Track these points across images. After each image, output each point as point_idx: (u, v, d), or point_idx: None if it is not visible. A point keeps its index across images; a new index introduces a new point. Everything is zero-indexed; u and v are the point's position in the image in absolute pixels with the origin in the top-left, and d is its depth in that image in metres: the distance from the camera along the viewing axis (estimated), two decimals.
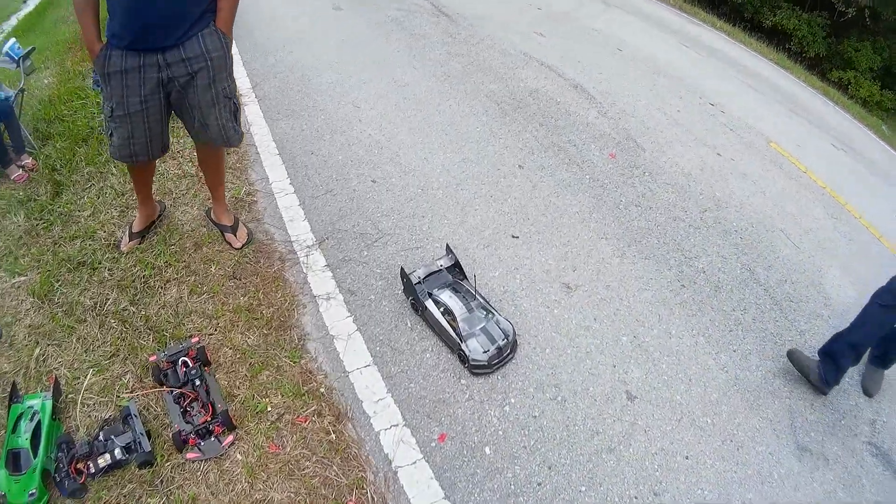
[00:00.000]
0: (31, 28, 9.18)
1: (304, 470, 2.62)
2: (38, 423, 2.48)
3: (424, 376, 3.16)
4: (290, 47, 5.92)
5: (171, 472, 2.53)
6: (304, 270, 3.59)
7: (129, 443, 2.51)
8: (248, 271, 3.48)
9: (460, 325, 3.19)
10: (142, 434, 2.52)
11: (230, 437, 2.65)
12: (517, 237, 4.22)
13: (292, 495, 2.53)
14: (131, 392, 2.77)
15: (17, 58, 4.83)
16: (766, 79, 10.34)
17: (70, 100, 4.83)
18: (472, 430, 2.95)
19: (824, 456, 3.39)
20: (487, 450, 2.88)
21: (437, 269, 3.53)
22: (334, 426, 2.81)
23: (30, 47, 5.25)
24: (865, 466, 3.44)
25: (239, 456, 2.62)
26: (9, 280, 3.30)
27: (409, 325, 3.40)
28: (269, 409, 2.82)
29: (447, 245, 3.62)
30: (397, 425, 2.89)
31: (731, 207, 5.39)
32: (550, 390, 3.24)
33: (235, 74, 3.16)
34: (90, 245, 3.47)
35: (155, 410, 2.73)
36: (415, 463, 2.76)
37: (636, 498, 2.85)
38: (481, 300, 3.40)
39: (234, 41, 2.98)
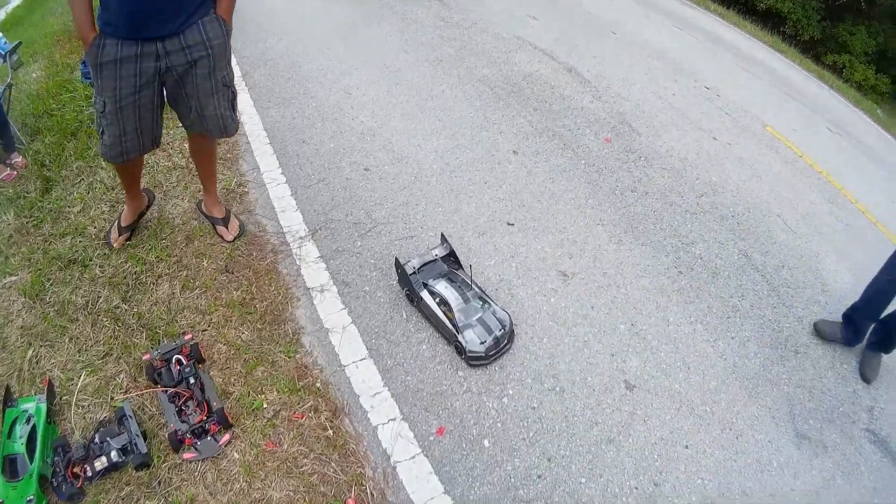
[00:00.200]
0: (20, 22, 9.04)
1: (302, 467, 2.60)
2: (34, 427, 2.45)
3: (421, 369, 3.14)
4: (281, 34, 5.85)
5: (168, 473, 2.51)
6: (298, 262, 3.55)
7: (126, 444, 2.48)
8: (241, 264, 3.45)
9: (456, 315, 3.17)
10: (138, 435, 2.49)
11: (226, 436, 2.62)
12: (512, 224, 4.19)
13: (291, 494, 2.52)
14: (125, 392, 2.74)
15: (3, 53, 4.76)
16: (761, 62, 10.32)
17: (59, 93, 4.74)
18: (471, 422, 2.94)
19: (823, 443, 3.41)
20: (486, 442, 2.87)
21: (432, 259, 3.49)
22: (331, 422, 2.79)
23: (16, 42, 5.19)
24: (864, 453, 3.45)
25: (236, 455, 2.60)
26: (0, 280, 3.26)
27: (404, 316, 3.38)
28: (265, 405, 2.79)
29: (442, 234, 3.59)
30: (395, 419, 2.88)
31: (728, 192, 5.38)
32: (549, 381, 3.23)
33: None
34: (80, 242, 3.41)
35: (150, 410, 2.70)
36: (413, 458, 2.75)
37: (636, 489, 2.85)
38: (477, 290, 3.37)
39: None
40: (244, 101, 4.80)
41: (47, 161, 4.00)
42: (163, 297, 3.19)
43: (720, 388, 3.49)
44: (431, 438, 2.84)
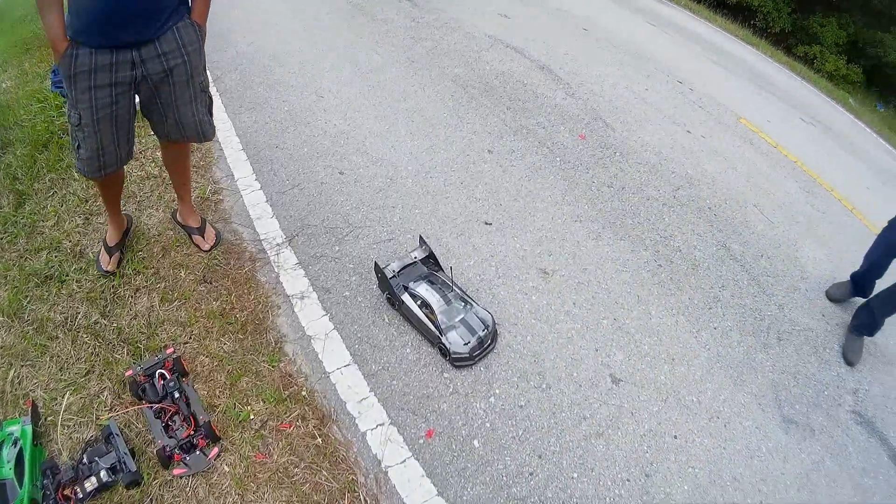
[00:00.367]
0: None
1: (293, 477, 2.61)
2: (20, 451, 2.42)
3: (406, 372, 3.15)
4: (251, 37, 5.83)
5: (159, 490, 2.50)
6: (276, 270, 3.54)
7: (114, 463, 2.46)
8: (219, 274, 3.44)
9: (439, 317, 3.19)
10: (126, 453, 2.48)
11: (215, 450, 2.62)
12: (490, 224, 4.22)
13: None
14: (110, 410, 2.72)
15: None
16: (733, 55, 10.49)
17: (29, 104, 4.67)
18: (460, 423, 2.96)
19: (810, 427, 3.49)
20: (476, 443, 2.90)
21: (411, 262, 3.50)
22: (319, 430, 2.80)
23: None
24: (851, 435, 3.55)
25: (226, 468, 2.60)
26: None
27: (386, 320, 3.39)
28: (252, 416, 2.79)
29: (420, 236, 3.61)
30: (383, 424, 2.89)
31: (704, 185, 5.46)
32: (535, 378, 3.26)
33: None
34: (56, 257, 3.38)
35: (137, 427, 2.69)
36: (404, 462, 2.76)
37: (628, 481, 2.90)
38: (458, 291, 3.40)
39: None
40: (216, 107, 4.72)
41: (19, 174, 3.95)
42: (142, 311, 3.17)
43: (705, 377, 3.56)
44: (421, 441, 2.86)
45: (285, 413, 2.83)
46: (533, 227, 4.31)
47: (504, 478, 2.79)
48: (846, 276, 4.76)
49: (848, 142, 8.79)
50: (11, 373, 2.85)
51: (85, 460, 2.48)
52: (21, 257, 3.42)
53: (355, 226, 3.92)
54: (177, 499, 2.48)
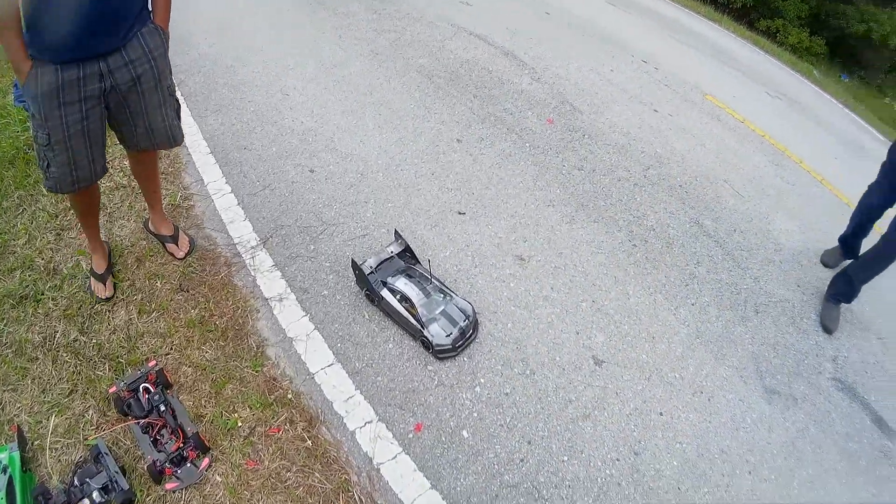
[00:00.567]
0: None
1: (286, 482, 2.63)
2: (10, 479, 2.39)
3: (390, 367, 3.18)
4: (212, 38, 5.78)
5: None
6: (252, 273, 3.54)
7: (106, 483, 2.44)
8: (196, 281, 3.43)
9: (419, 311, 3.22)
10: (117, 472, 2.46)
11: (206, 460, 2.62)
12: (464, 213, 4.26)
13: None
14: (97, 429, 2.70)
15: None
16: (696, 32, 10.63)
17: None
18: (447, 415, 3.00)
19: (792, 396, 3.59)
20: (465, 433, 2.94)
21: (388, 257, 3.52)
22: (308, 432, 2.81)
23: None
24: (833, 401, 3.66)
25: (218, 478, 2.60)
26: None
27: (366, 316, 3.41)
28: (240, 423, 2.80)
29: (395, 230, 3.64)
30: (371, 422, 2.91)
31: (674, 163, 5.56)
32: (518, 365, 3.32)
33: None
34: (30, 276, 3.33)
35: (125, 444, 2.67)
36: (395, 457, 2.79)
37: (618, 460, 2.97)
38: (437, 283, 3.43)
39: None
40: (182, 112, 4.71)
41: None
42: (120, 325, 3.15)
43: (686, 354, 3.64)
44: (410, 436, 2.89)
45: (273, 417, 2.84)
46: (506, 214, 4.35)
47: (495, 466, 2.83)
48: (819, 246, 4.91)
49: (814, 113, 8.96)
50: None
51: (76, 483, 2.46)
52: None
53: (329, 223, 3.93)
54: None
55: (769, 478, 3.15)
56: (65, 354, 2.98)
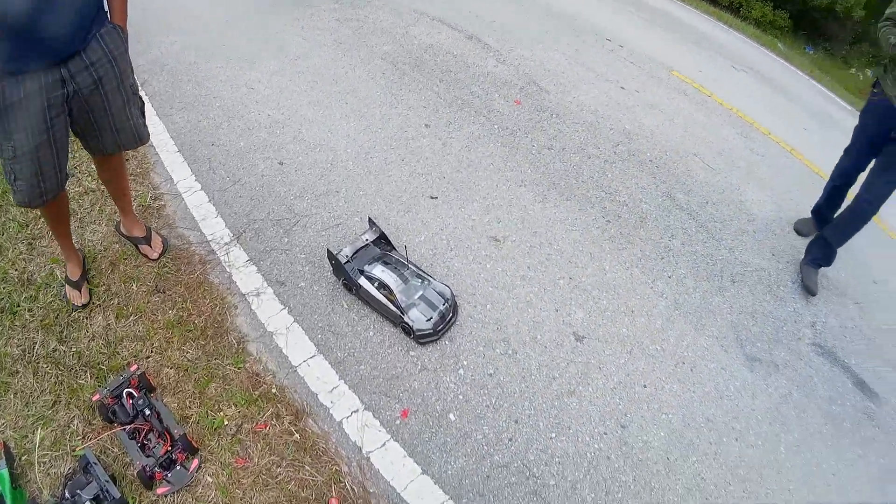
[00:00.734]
0: None
1: (277, 477, 2.62)
2: (1, 497, 2.36)
3: (372, 355, 3.18)
4: (174, 36, 5.68)
5: None
6: (228, 269, 3.51)
7: (97, 493, 2.41)
8: (171, 282, 3.39)
9: (398, 297, 3.22)
10: (107, 481, 2.43)
11: (195, 462, 2.60)
12: (436, 198, 4.27)
13: None
14: (83, 438, 2.66)
15: None
16: (659, 9, 10.69)
17: None
18: (433, 399, 3.01)
19: (774, 363, 3.66)
20: (452, 416, 2.96)
21: (363, 245, 3.52)
22: (295, 425, 2.80)
23: None
24: (814, 366, 3.74)
25: (209, 478, 2.59)
26: None
27: (345, 305, 3.41)
28: (226, 422, 2.77)
29: (369, 218, 3.63)
30: (357, 411, 2.91)
31: (643, 138, 5.61)
32: (500, 345, 3.34)
33: None
34: (4, 288, 3.25)
35: (113, 452, 2.64)
36: (384, 445, 2.80)
37: (605, 434, 3.01)
38: (414, 268, 3.44)
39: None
40: (147, 111, 4.61)
41: None
42: (99, 331, 3.10)
43: (666, 326, 3.69)
44: (398, 422, 2.90)
45: (259, 413, 2.83)
46: (479, 196, 4.37)
47: (484, 447, 2.85)
48: (792, 215, 5.02)
49: (780, 86, 9.08)
50: None
51: (67, 495, 2.43)
52: None
53: (301, 214, 3.91)
54: None
55: (756, 444, 3.21)
56: (45, 365, 2.93)
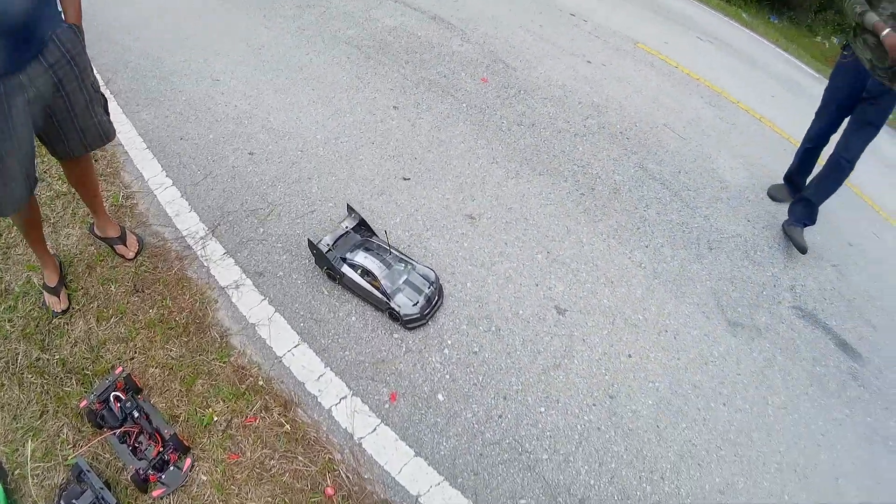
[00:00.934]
0: None
1: (271, 470, 2.60)
2: None
3: (356, 340, 3.16)
4: (136, 32, 5.54)
5: None
6: (205, 264, 3.46)
7: (93, 501, 2.38)
8: (149, 280, 3.34)
9: (383, 283, 3.20)
10: (102, 488, 2.40)
11: (188, 461, 2.58)
12: (409, 179, 4.25)
13: (269, 499, 2.52)
14: (74, 447, 2.63)
15: None
16: None
17: None
18: (420, 381, 3.01)
19: (756, 327, 3.71)
20: (440, 396, 2.96)
21: (343, 232, 3.48)
22: (285, 416, 2.79)
23: None
24: (796, 329, 3.81)
25: (203, 477, 2.56)
26: None
27: (325, 292, 3.38)
28: (216, 418, 2.75)
29: (348, 205, 3.59)
30: (346, 397, 2.90)
31: (612, 111, 5.62)
32: (483, 322, 3.34)
33: None
34: None
35: (105, 457, 2.61)
36: (375, 429, 2.80)
37: (594, 405, 3.03)
38: (396, 253, 3.41)
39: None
40: (112, 109, 4.51)
41: None
42: (81, 336, 3.05)
43: (646, 295, 3.72)
44: (387, 406, 2.89)
45: (247, 407, 2.80)
46: (451, 175, 4.35)
47: (475, 425, 2.86)
48: (765, 181, 5.10)
49: (747, 55, 9.13)
50: None
51: None
52: None
53: (275, 204, 3.86)
54: None
55: (743, 408, 3.26)
56: (30, 376, 2.88)
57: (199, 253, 3.52)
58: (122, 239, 3.40)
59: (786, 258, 4.39)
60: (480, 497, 2.64)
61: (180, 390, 2.85)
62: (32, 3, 2.36)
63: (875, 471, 3.28)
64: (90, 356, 2.97)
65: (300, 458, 2.64)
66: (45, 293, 3.17)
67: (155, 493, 2.48)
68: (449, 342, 3.20)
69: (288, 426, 2.75)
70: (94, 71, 2.80)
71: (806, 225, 4.47)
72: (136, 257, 3.43)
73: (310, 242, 3.32)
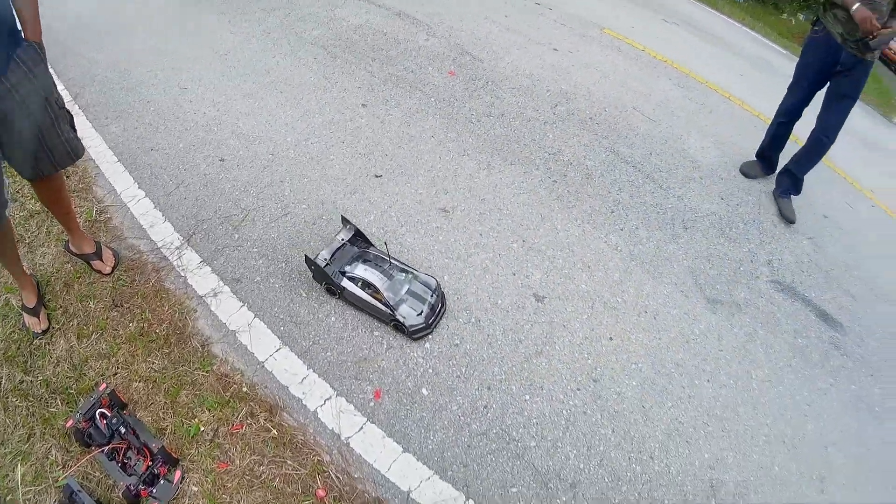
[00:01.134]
0: None
1: (261, 476, 2.60)
2: None
3: (337, 340, 3.16)
4: (100, 43, 5.48)
5: None
6: (182, 274, 3.44)
7: None
8: (128, 294, 3.31)
9: (385, 294, 3.16)
10: None
11: (178, 473, 2.56)
12: (380, 176, 4.24)
13: None
14: (64, 467, 2.61)
15: None
16: None
17: None
18: (403, 376, 3.02)
19: (735, 303, 3.76)
20: (425, 391, 2.96)
21: (340, 245, 3.42)
22: (271, 421, 2.78)
23: None
24: (775, 302, 3.86)
25: (194, 488, 2.55)
26: None
27: (303, 294, 3.37)
28: (202, 428, 2.74)
29: (342, 216, 3.53)
30: (330, 398, 2.90)
31: (580, 97, 5.66)
32: (462, 315, 3.35)
33: None
34: None
35: (95, 476, 2.59)
36: (362, 428, 2.80)
37: (579, 390, 3.06)
38: (395, 262, 3.38)
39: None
40: (81, 125, 4.48)
41: None
42: (62, 355, 3.02)
43: (624, 278, 3.75)
44: (372, 404, 2.89)
45: (233, 414, 2.79)
46: (423, 169, 4.36)
47: (461, 417, 2.87)
48: (737, 158, 5.19)
49: (714, 35, 9.23)
50: None
51: None
52: None
53: (249, 209, 3.84)
54: None
55: (728, 383, 3.31)
56: (14, 399, 2.85)
57: (175, 263, 3.49)
58: (98, 254, 3.36)
59: (761, 233, 4.45)
60: (471, 488, 2.66)
61: (165, 402, 2.83)
62: None
63: (862, 438, 3.33)
64: (73, 375, 2.94)
65: (289, 461, 2.64)
66: (24, 314, 3.13)
67: None
68: (430, 336, 3.20)
69: (275, 431, 2.74)
70: (60, 87, 2.77)
71: (791, 194, 4.66)
72: (113, 272, 3.39)
73: (307, 258, 3.28)
